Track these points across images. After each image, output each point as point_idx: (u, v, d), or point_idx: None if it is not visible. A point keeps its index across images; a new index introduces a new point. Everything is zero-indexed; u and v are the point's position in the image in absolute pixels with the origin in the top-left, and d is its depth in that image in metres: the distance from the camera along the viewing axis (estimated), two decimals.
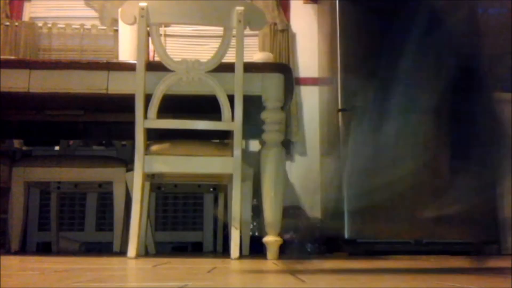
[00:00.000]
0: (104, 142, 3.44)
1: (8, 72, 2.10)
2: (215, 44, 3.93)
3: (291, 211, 3.28)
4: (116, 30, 3.81)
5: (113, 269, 1.22)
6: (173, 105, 2.41)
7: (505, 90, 3.35)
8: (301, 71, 3.95)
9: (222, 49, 2.01)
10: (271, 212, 2.05)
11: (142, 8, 1.97)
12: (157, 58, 2.60)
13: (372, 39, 2.96)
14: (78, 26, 3.86)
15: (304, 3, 4.03)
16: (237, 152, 2.02)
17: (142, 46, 2.00)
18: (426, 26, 1.76)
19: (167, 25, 3.95)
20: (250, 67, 2.09)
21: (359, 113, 2.86)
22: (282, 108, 2.17)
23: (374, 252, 2.79)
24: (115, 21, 3.85)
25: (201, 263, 1.59)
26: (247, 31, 2.09)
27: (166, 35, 3.96)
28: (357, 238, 2.75)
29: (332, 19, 3.14)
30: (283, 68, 2.16)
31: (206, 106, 2.37)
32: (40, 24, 3.86)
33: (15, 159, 2.98)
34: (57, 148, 3.38)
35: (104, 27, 3.91)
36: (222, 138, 2.78)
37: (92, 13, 3.98)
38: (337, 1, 3.02)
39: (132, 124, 2.02)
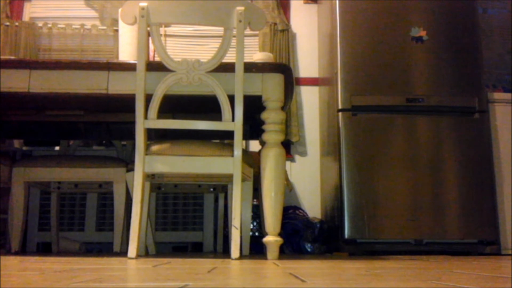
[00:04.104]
0: (104, 142, 3.44)
1: (8, 72, 2.10)
2: (215, 44, 3.96)
3: (291, 211, 3.29)
4: (116, 30, 3.82)
5: (113, 269, 1.22)
6: (173, 105, 2.42)
7: (505, 90, 3.36)
8: (301, 71, 3.95)
9: (222, 49, 2.01)
10: (271, 212, 2.05)
11: (143, 8, 1.97)
12: (157, 58, 2.61)
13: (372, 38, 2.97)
14: (78, 26, 3.87)
15: (304, 3, 4.03)
16: (237, 152, 2.02)
17: (142, 46, 2.00)
18: None
19: (167, 25, 3.95)
20: (250, 67, 2.09)
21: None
22: (282, 108, 2.16)
23: (374, 252, 2.79)
24: (115, 21, 3.85)
25: (202, 263, 1.59)
26: (247, 31, 2.09)
27: (166, 35, 3.97)
28: (357, 238, 2.75)
29: (332, 19, 3.14)
30: (283, 68, 2.16)
31: (206, 106, 2.37)
32: (40, 24, 3.87)
33: (15, 159, 2.98)
34: (57, 148, 3.39)
35: (104, 27, 3.91)
36: (222, 138, 2.78)
37: (92, 13, 3.99)
38: (337, 1, 3.02)
39: (132, 124, 2.02)
